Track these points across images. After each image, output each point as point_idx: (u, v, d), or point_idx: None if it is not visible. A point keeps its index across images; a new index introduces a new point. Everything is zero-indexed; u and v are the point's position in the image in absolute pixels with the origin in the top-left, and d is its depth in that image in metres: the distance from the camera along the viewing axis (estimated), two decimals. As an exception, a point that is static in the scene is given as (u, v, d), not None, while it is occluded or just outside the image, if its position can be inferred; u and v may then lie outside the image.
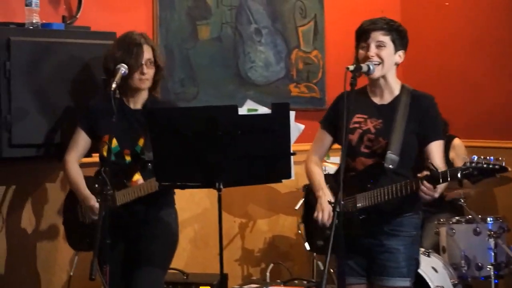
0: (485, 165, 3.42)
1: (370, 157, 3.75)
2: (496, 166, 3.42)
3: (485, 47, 6.15)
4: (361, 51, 3.76)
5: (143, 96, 4.23)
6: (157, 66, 4.21)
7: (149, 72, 4.16)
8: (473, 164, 3.43)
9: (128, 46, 4.11)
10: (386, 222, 3.75)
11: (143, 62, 4.11)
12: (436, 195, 3.56)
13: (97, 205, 4.05)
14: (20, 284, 4.75)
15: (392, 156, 3.67)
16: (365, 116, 3.81)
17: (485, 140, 6.02)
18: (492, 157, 3.43)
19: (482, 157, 3.44)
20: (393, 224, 3.75)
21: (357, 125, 3.79)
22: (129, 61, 4.05)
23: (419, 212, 3.84)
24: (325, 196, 3.81)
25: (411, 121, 3.72)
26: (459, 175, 3.46)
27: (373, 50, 3.73)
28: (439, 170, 3.51)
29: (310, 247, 4.19)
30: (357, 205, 3.74)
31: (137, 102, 4.23)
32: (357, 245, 3.75)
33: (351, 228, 3.66)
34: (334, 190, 3.77)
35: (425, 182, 3.52)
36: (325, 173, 4.07)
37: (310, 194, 4.03)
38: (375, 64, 3.70)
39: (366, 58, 3.72)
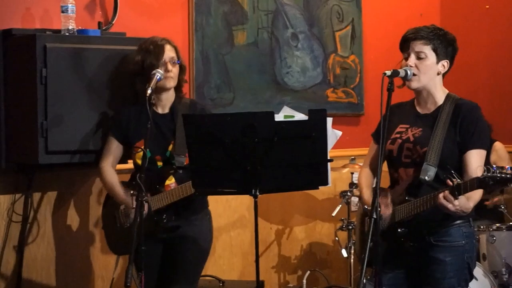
0: (499, 175, 3.34)
1: (411, 166, 3.69)
2: (508, 175, 3.33)
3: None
4: (403, 62, 3.71)
5: (170, 98, 4.26)
6: (181, 66, 4.24)
7: (174, 70, 4.19)
8: (489, 174, 3.35)
9: (148, 48, 4.17)
10: (432, 233, 3.67)
11: (167, 60, 4.15)
12: (455, 208, 3.47)
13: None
14: (57, 291, 4.77)
15: (428, 167, 3.60)
16: (407, 126, 3.75)
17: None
18: (509, 166, 3.36)
19: (495, 166, 3.37)
20: (439, 234, 3.67)
21: (398, 135, 3.75)
22: (151, 61, 4.11)
23: (469, 220, 3.73)
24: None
25: (451, 129, 3.65)
26: (475, 186, 3.39)
27: (412, 60, 3.67)
28: (459, 181, 3.44)
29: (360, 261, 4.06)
30: (396, 218, 3.68)
31: (165, 106, 4.26)
32: (400, 258, 3.70)
33: (392, 241, 3.64)
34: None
35: (441, 195, 3.45)
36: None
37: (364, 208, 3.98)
38: (413, 75, 3.64)
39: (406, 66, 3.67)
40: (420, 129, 3.71)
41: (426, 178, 3.61)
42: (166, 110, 4.25)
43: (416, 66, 3.66)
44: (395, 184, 3.75)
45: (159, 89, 4.18)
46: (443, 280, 3.66)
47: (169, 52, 4.19)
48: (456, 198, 3.44)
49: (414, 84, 3.69)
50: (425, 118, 3.74)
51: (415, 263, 3.71)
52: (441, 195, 3.46)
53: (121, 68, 4.33)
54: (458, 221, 3.68)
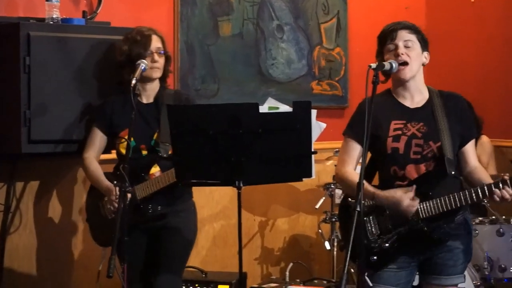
0: None
1: (421, 162, 3.62)
2: None
3: (511, 44, 6.08)
4: (387, 55, 3.64)
5: (155, 88, 4.26)
6: (167, 57, 4.25)
7: (160, 61, 4.19)
8: None
9: (135, 38, 4.16)
10: (450, 223, 3.63)
11: (154, 51, 4.15)
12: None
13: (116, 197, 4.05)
14: (42, 280, 4.75)
15: (451, 160, 3.58)
16: (403, 122, 3.67)
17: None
18: None
19: None
20: (456, 224, 3.64)
21: (399, 132, 3.65)
22: (138, 51, 4.10)
23: (468, 207, 3.73)
24: (385, 192, 3.62)
25: (453, 122, 3.64)
26: None
27: (402, 48, 3.63)
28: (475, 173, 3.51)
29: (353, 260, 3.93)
30: (421, 215, 3.59)
31: (150, 96, 4.25)
32: (413, 255, 3.67)
33: (416, 240, 3.60)
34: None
35: (506, 187, 3.46)
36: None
37: (344, 201, 3.90)
38: (403, 65, 3.60)
39: (397, 57, 3.61)
40: (422, 123, 3.65)
41: (452, 171, 3.58)
42: (151, 100, 4.25)
43: (406, 54, 3.63)
44: (395, 182, 3.65)
45: (145, 79, 4.17)
46: (454, 267, 3.66)
47: (155, 43, 4.19)
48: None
49: (408, 74, 3.63)
50: (420, 112, 3.68)
51: (426, 255, 3.67)
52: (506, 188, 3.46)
53: (106, 58, 4.31)
54: (466, 209, 3.68)
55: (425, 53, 3.71)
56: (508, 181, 3.48)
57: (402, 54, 3.61)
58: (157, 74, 4.21)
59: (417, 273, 3.76)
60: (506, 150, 6.03)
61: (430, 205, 3.58)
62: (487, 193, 3.50)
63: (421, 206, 3.59)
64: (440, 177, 3.60)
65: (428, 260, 3.68)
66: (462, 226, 3.68)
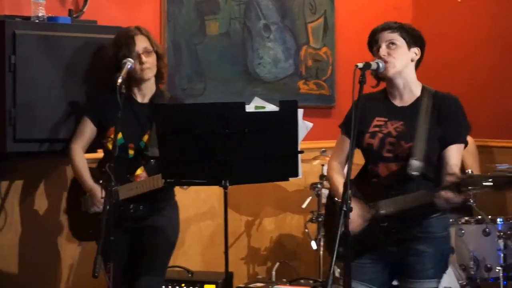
0: (508, 174, 3.33)
1: (394, 161, 3.63)
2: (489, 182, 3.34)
3: (498, 43, 6.09)
4: (374, 56, 3.67)
5: (151, 88, 4.23)
6: (157, 53, 4.19)
7: (149, 60, 4.15)
8: (500, 173, 3.36)
9: (120, 41, 4.13)
10: (416, 225, 3.64)
11: (140, 52, 4.10)
12: (458, 201, 3.47)
13: (102, 197, 4.03)
14: (24, 279, 4.72)
15: (416, 162, 3.56)
16: (385, 119, 3.69)
17: (501, 140, 5.97)
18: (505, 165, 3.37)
19: (499, 165, 3.37)
20: (423, 226, 3.65)
21: (377, 129, 3.68)
22: (124, 53, 4.06)
23: (447, 212, 3.73)
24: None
25: (434, 125, 3.62)
26: (483, 183, 3.37)
27: (384, 49, 3.63)
28: (460, 178, 3.42)
29: (330, 254, 4.04)
30: (380, 212, 3.62)
31: (145, 96, 4.23)
32: (381, 253, 3.69)
33: (374, 235, 3.63)
34: (356, 196, 3.65)
35: (442, 192, 3.44)
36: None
37: (330, 200, 3.94)
38: (385, 63, 3.62)
39: (380, 58, 3.63)
40: (401, 122, 3.66)
41: (415, 173, 3.57)
42: (146, 100, 4.22)
43: (388, 54, 3.63)
44: (372, 178, 3.69)
45: (138, 80, 4.15)
46: (423, 271, 3.65)
47: (140, 43, 4.14)
48: (460, 193, 3.42)
49: (391, 71, 3.63)
50: (404, 111, 3.69)
51: (395, 256, 3.69)
52: (443, 195, 3.43)
53: (92, 57, 4.29)
54: (439, 212, 3.66)
55: (414, 49, 3.70)
56: (453, 186, 3.43)
57: (384, 55, 3.63)
58: (149, 74, 4.17)
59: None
60: (495, 150, 6.04)
61: (387, 203, 3.61)
62: (433, 196, 3.49)
63: (381, 203, 3.62)
64: (407, 178, 3.59)
65: (399, 262, 3.69)
66: (432, 230, 3.66)
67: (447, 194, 3.43)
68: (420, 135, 3.59)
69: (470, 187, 3.40)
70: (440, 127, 3.62)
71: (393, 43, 3.65)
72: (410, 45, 3.68)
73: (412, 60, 3.70)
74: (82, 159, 4.23)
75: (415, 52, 3.70)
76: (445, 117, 3.64)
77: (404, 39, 3.67)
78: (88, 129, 4.23)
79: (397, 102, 3.73)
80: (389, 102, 3.74)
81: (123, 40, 4.12)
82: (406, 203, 3.56)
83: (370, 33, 3.73)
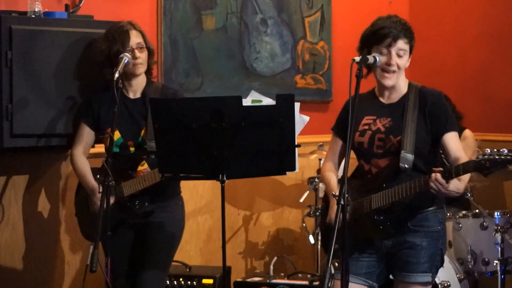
0: (497, 157, 3.36)
1: (385, 157, 3.67)
2: (508, 157, 3.35)
3: (492, 39, 6.09)
4: (382, 58, 3.61)
5: (141, 83, 4.22)
6: (149, 50, 4.19)
7: (142, 56, 4.14)
8: (485, 156, 3.36)
9: (113, 35, 4.11)
10: (410, 218, 3.67)
11: (134, 47, 4.10)
12: (447, 190, 3.48)
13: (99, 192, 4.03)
14: (24, 276, 4.71)
15: (406, 155, 3.59)
16: (374, 117, 3.74)
17: (496, 134, 5.97)
18: (505, 149, 3.38)
19: (495, 149, 3.38)
20: (417, 219, 3.67)
21: (366, 127, 3.72)
22: (117, 48, 4.05)
23: (443, 207, 3.76)
24: (332, 202, 3.75)
25: (420, 117, 3.65)
26: (471, 168, 3.41)
27: (394, 58, 3.64)
28: (452, 165, 3.47)
29: (325, 251, 4.09)
30: (372, 206, 3.66)
31: (137, 91, 4.22)
32: (375, 247, 3.71)
33: (368, 229, 3.65)
34: (351, 195, 3.67)
35: (434, 178, 3.45)
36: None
37: (326, 197, 3.96)
38: (392, 72, 3.63)
39: (387, 65, 3.63)
40: (389, 119, 3.70)
41: (406, 166, 3.60)
42: (138, 95, 4.21)
43: (398, 66, 3.65)
44: (366, 175, 3.72)
45: (129, 75, 4.15)
46: (417, 265, 3.66)
47: (135, 38, 4.13)
48: (448, 181, 3.44)
49: (391, 82, 3.67)
50: (392, 108, 3.73)
51: (389, 249, 3.70)
52: (433, 177, 3.45)
53: (89, 52, 4.28)
54: (434, 207, 3.69)
55: (409, 58, 3.72)
56: (439, 174, 3.46)
57: (393, 64, 3.64)
58: (141, 69, 4.17)
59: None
60: (488, 144, 6.03)
61: (379, 196, 3.63)
62: (423, 184, 3.51)
63: (374, 197, 3.64)
64: (399, 171, 3.62)
65: (393, 256, 3.71)
66: (427, 223, 3.68)
67: (437, 175, 3.45)
68: (408, 128, 3.63)
69: (459, 174, 3.44)
70: (428, 121, 3.67)
71: (402, 54, 3.66)
72: (410, 55, 3.71)
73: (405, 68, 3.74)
74: (84, 162, 4.23)
75: (409, 60, 3.72)
76: (432, 111, 3.68)
77: (410, 48, 3.70)
78: (86, 134, 4.23)
79: (385, 100, 3.77)
80: (378, 100, 3.77)
81: (116, 35, 4.10)
82: (399, 194, 3.58)
83: (386, 26, 3.64)
